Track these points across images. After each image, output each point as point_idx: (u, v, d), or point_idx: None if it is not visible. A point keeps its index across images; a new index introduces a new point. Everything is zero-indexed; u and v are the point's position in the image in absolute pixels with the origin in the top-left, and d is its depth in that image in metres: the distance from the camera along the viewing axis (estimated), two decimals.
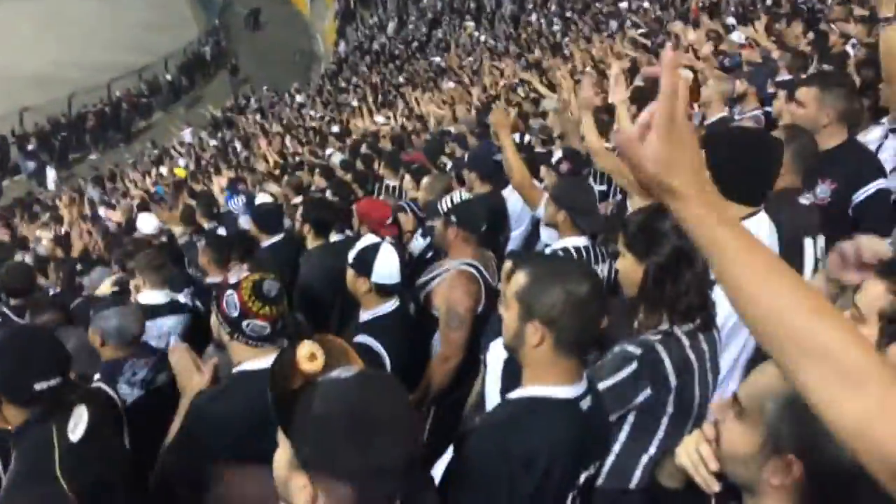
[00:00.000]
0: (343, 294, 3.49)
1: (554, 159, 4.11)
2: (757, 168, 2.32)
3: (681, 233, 1.93)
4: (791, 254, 2.71)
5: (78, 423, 2.15)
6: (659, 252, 1.98)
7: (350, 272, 2.92)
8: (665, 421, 2.00)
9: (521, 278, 1.71)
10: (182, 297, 4.40)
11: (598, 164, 3.98)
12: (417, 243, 4.41)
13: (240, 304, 2.32)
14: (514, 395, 1.78)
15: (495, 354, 2.71)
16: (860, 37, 7.67)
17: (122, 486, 2.27)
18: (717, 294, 2.19)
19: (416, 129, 12.24)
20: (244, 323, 2.33)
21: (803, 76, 6.33)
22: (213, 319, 2.44)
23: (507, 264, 2.88)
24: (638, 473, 2.01)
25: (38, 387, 2.13)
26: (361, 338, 2.89)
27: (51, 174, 21.63)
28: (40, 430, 2.15)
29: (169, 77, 26.95)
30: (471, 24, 26.61)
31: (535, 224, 5.34)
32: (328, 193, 7.35)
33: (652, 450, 2.00)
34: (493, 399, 2.65)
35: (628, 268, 2.08)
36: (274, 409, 1.24)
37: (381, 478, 1.18)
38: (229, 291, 2.35)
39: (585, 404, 1.72)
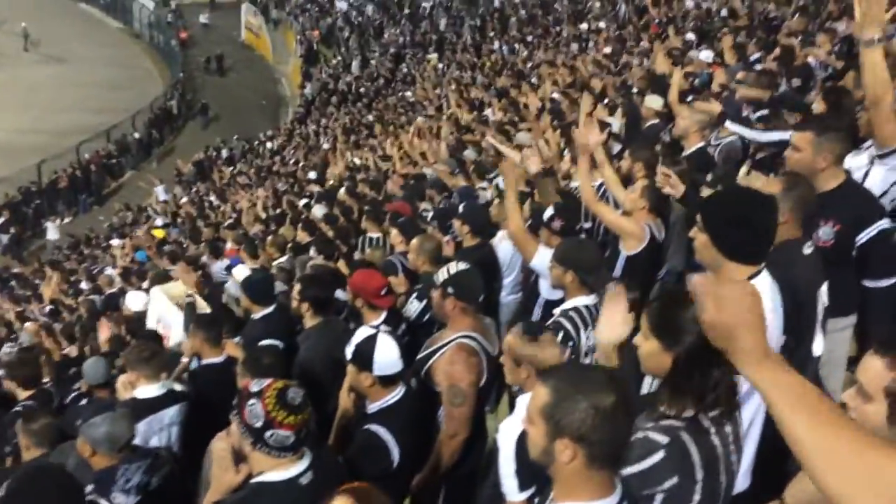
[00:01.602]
0: (343, 374, 3.45)
1: (546, 216, 4.11)
2: (758, 228, 2.31)
3: None
4: (807, 307, 2.72)
5: None
6: (686, 343, 1.95)
7: (351, 368, 2.88)
8: None
9: (544, 394, 1.67)
10: (178, 386, 4.32)
11: (591, 209, 4.00)
12: (413, 307, 4.38)
13: (264, 413, 2.27)
14: None
15: (507, 435, 2.67)
16: (823, 47, 7.82)
17: None
18: None
19: (388, 170, 12.26)
20: (268, 433, 2.28)
21: (772, 97, 6.42)
22: (234, 428, 2.38)
23: (509, 338, 2.85)
24: None
25: None
26: (371, 426, 2.84)
27: (51, 227, 21.44)
28: None
29: (137, 134, 26.84)
30: (434, 55, 26.84)
31: (527, 272, 5.35)
32: (312, 251, 7.32)
33: None
34: (508, 483, 2.61)
35: (653, 352, 2.05)
36: None
37: None
38: (252, 401, 2.30)
39: None
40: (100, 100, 28.44)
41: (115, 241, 17.03)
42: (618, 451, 1.68)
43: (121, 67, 31.98)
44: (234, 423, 2.40)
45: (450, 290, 3.20)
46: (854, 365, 3.47)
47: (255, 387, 2.35)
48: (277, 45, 34.40)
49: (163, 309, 5.96)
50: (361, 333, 2.88)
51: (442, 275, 3.26)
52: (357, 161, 15.54)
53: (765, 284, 2.31)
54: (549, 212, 4.11)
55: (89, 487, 2.94)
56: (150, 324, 6.12)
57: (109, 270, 12.38)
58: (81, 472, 2.98)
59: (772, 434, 2.46)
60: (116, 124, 26.64)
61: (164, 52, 33.81)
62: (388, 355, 2.81)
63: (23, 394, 4.99)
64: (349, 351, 2.84)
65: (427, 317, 4.39)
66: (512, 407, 3.84)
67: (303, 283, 4.18)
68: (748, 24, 12.27)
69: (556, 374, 1.75)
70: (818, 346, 2.85)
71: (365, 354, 2.80)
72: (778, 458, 2.54)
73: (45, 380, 5.65)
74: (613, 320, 2.31)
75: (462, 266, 3.29)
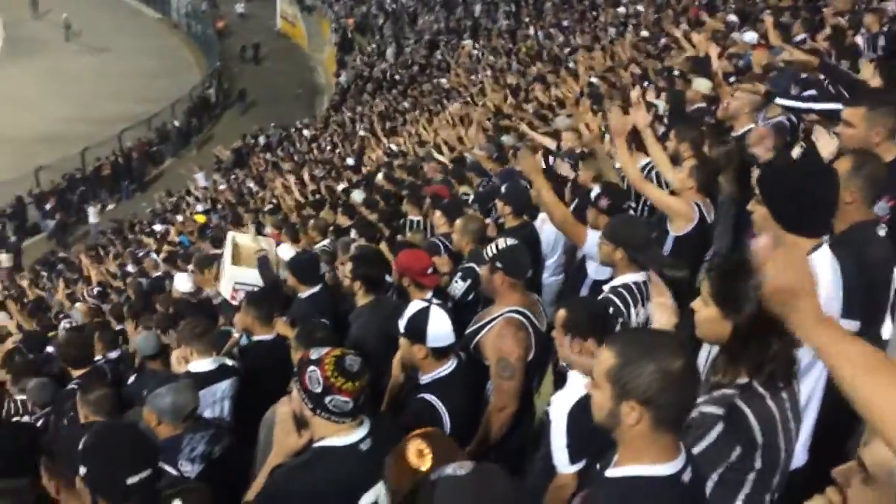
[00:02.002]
0: (395, 351, 3.50)
1: (592, 195, 4.11)
2: (819, 200, 2.30)
3: None
4: (879, 289, 2.70)
5: None
6: (747, 311, 1.96)
7: (404, 341, 2.93)
8: (752, 477, 1.98)
9: (609, 357, 1.69)
10: (229, 361, 4.42)
11: (638, 189, 3.98)
12: (457, 286, 4.41)
13: (323, 379, 2.33)
14: (614, 474, 1.75)
15: (559, 408, 2.71)
16: (872, 27, 7.65)
17: None
18: None
19: (426, 156, 12.30)
20: (327, 399, 2.34)
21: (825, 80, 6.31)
22: (295, 394, 2.46)
23: (561, 312, 2.88)
24: None
25: (130, 481, 2.18)
26: (425, 395, 2.89)
27: (92, 211, 21.94)
28: None
29: (177, 123, 27.27)
30: (468, 42, 26.74)
31: (571, 253, 5.35)
32: (353, 233, 7.40)
33: None
34: (560, 455, 2.64)
35: (712, 318, 2.06)
36: None
37: None
38: (311, 367, 2.37)
39: (686, 476, 1.70)
40: (140, 89, 28.89)
41: (158, 227, 17.38)
42: (683, 414, 1.70)
43: (159, 57, 32.44)
44: (294, 390, 2.47)
45: (498, 265, 3.24)
46: None
47: (314, 354, 2.41)
48: (312, 34, 34.57)
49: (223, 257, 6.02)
50: (414, 306, 2.92)
51: (490, 250, 3.29)
52: (394, 147, 15.62)
53: (825, 259, 2.30)
54: (595, 191, 4.10)
55: None
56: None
57: (154, 255, 12.64)
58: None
59: (830, 413, 2.47)
60: (157, 113, 27.08)
61: (202, 42, 34.20)
62: (441, 327, 2.85)
63: (75, 373, 5.12)
64: (402, 323, 2.89)
65: (471, 296, 4.43)
66: (557, 383, 3.87)
67: (355, 262, 4.23)
68: (792, 3, 12.03)
69: (623, 337, 1.78)
70: (888, 330, 2.82)
71: (418, 327, 2.85)
72: (836, 437, 2.55)
73: (98, 357, 5.83)
74: (665, 307, 2.33)
75: (511, 241, 3.32)
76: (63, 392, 5.09)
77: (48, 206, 21.88)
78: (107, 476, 2.21)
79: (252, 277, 5.79)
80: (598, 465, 1.90)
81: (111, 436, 2.34)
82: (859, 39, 7.76)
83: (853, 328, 2.61)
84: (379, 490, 2.42)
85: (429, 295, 3.84)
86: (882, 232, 2.77)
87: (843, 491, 1.30)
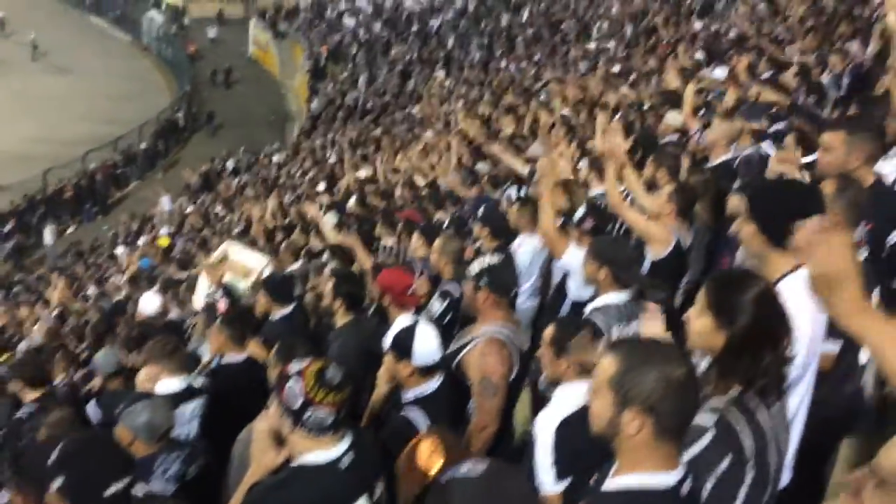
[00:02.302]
0: (375, 370, 3.44)
1: (577, 216, 4.12)
2: (806, 216, 2.26)
3: (763, 307, 1.93)
4: None
5: None
6: (741, 323, 1.95)
7: (389, 357, 2.87)
8: (743, 491, 1.95)
9: (611, 364, 1.67)
10: (197, 382, 4.30)
11: (618, 212, 4.01)
12: (435, 307, 4.37)
13: (303, 392, 2.26)
14: (611, 486, 1.71)
15: (545, 426, 2.66)
16: (836, 68, 7.90)
17: None
18: None
19: (397, 183, 12.30)
20: (307, 413, 2.27)
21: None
22: (273, 410, 2.38)
23: (549, 329, 2.86)
24: None
25: (110, 491, 2.13)
26: (409, 411, 2.83)
27: (48, 231, 21.41)
28: None
29: (143, 145, 26.94)
30: (441, 73, 27.01)
31: (547, 277, 5.35)
32: (325, 256, 7.32)
33: None
34: (544, 474, 2.59)
35: (706, 329, 2.04)
36: None
37: None
38: (291, 381, 2.29)
39: (686, 488, 1.67)
40: (107, 111, 28.61)
41: (120, 250, 17.04)
42: (685, 423, 1.68)
43: (129, 79, 32.18)
44: (272, 406, 2.39)
45: (482, 282, 3.21)
46: None
47: (293, 367, 2.34)
48: (285, 61, 34.61)
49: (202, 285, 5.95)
50: (401, 323, 2.88)
51: (476, 267, 3.26)
52: (363, 174, 15.58)
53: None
54: (580, 212, 4.12)
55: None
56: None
57: (116, 277, 12.37)
58: None
59: (811, 432, 2.46)
60: (123, 135, 26.76)
61: (172, 65, 34.05)
62: (427, 345, 2.81)
63: (30, 394, 4.94)
64: (388, 340, 2.84)
65: (449, 317, 4.39)
66: (535, 401, 3.83)
67: (337, 279, 4.17)
68: (756, 44, 12.38)
69: (625, 345, 1.75)
70: (865, 355, 2.84)
71: (404, 343, 2.80)
72: (817, 458, 2.53)
73: (59, 377, 5.65)
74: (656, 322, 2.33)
75: (496, 259, 3.29)
76: (11, 423, 4.91)
77: (7, 228, 21.37)
78: (86, 485, 2.14)
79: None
80: (592, 481, 1.86)
81: (89, 445, 2.27)
82: (824, 78, 8.01)
83: (835, 349, 2.62)
84: None
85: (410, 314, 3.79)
86: (861, 256, 2.80)
87: (857, 496, 1.27)
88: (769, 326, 1.95)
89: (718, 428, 1.92)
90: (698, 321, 2.08)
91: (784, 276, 2.28)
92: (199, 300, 5.96)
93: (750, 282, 2.01)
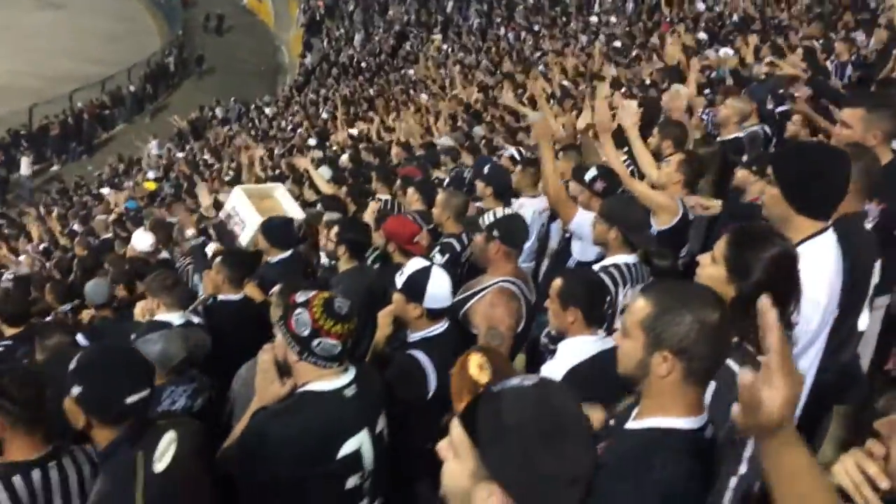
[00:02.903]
0: (375, 316, 3.44)
1: (588, 177, 4.11)
2: (832, 182, 2.32)
3: (779, 268, 1.94)
4: (861, 282, 2.75)
5: (165, 453, 2.09)
6: (753, 280, 1.96)
7: (399, 297, 2.86)
8: (751, 442, 1.97)
9: (645, 306, 1.67)
10: (195, 318, 4.29)
11: (624, 182, 4.01)
12: (436, 261, 4.37)
13: (311, 322, 2.26)
14: (636, 426, 1.73)
15: (550, 375, 2.69)
16: (842, 56, 7.92)
17: None
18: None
19: (392, 141, 12.24)
20: (315, 342, 2.27)
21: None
22: (279, 340, 2.37)
23: (558, 281, 2.87)
24: (728, 496, 1.98)
25: (129, 400, 2.10)
26: (413, 351, 2.84)
27: (24, 161, 21.04)
28: (126, 454, 2.11)
29: (132, 88, 26.47)
30: (438, 36, 26.73)
31: (544, 240, 5.38)
32: (319, 206, 7.28)
33: (742, 469, 1.96)
34: None
35: (717, 278, 2.03)
36: (463, 419, 1.22)
37: (574, 485, 1.16)
38: (299, 310, 2.29)
39: (709, 433, 1.69)
40: (97, 50, 27.99)
41: (106, 190, 16.84)
42: (714, 369, 1.69)
43: (120, 20, 31.47)
44: (279, 335, 2.39)
45: (495, 233, 3.20)
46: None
47: (301, 297, 2.34)
48: (280, 13, 34.05)
49: (242, 206, 5.76)
50: (415, 264, 2.86)
51: (488, 218, 3.25)
52: (356, 132, 15.47)
53: (830, 242, 2.33)
54: (591, 173, 4.11)
55: None
56: (221, 216, 6.00)
57: (102, 216, 12.24)
58: None
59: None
60: (112, 75, 26.23)
61: (165, 9, 33.33)
62: (440, 288, 2.80)
63: (8, 331, 4.81)
64: (400, 280, 2.82)
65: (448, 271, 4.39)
66: (531, 357, 3.86)
67: (341, 226, 4.15)
68: (761, 28, 12.38)
69: (660, 287, 1.76)
70: (863, 322, 2.88)
71: (418, 285, 2.79)
72: (808, 424, 2.57)
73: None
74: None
75: (508, 211, 3.29)
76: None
77: None
78: (105, 393, 2.12)
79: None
80: (611, 422, 1.89)
81: (108, 352, 2.23)
82: (829, 65, 8.03)
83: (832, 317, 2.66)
84: (362, 438, 2.38)
85: None
86: (869, 225, 2.84)
87: (885, 443, 1.30)
88: (780, 288, 1.91)
89: (721, 378, 1.92)
90: (711, 268, 2.08)
91: (805, 239, 2.31)
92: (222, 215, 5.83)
93: (771, 240, 2.01)
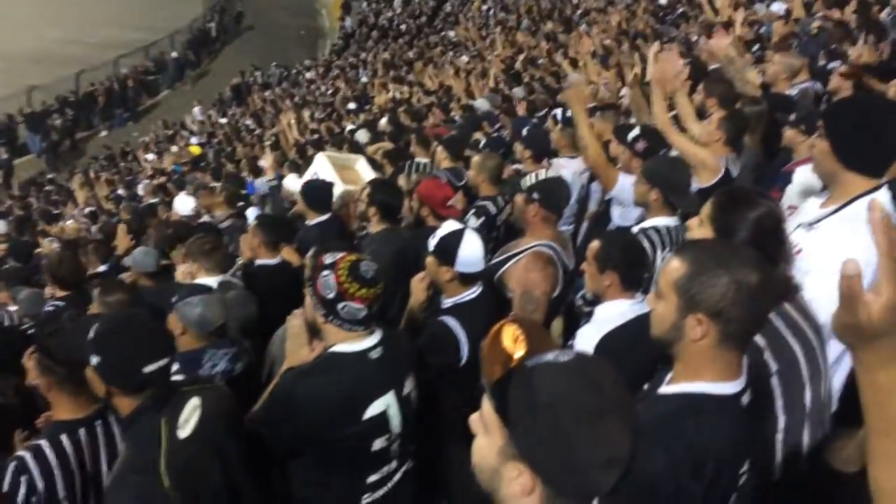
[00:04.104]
0: (407, 280, 3.42)
1: (630, 136, 3.99)
2: (883, 136, 2.17)
3: (763, 228, 1.88)
4: None
5: (189, 419, 2.09)
6: (738, 240, 1.92)
7: (431, 260, 2.82)
8: (775, 381, 1.89)
9: (679, 266, 1.60)
10: (235, 281, 4.33)
11: (667, 136, 3.90)
12: (471, 224, 4.32)
13: (336, 285, 2.25)
14: (669, 390, 1.67)
15: (585, 343, 2.63)
16: None
17: (227, 487, 2.20)
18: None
19: (432, 104, 12.13)
20: (340, 305, 2.26)
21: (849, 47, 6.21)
22: (308, 301, 2.37)
23: (595, 244, 2.80)
24: (779, 452, 1.90)
25: (147, 369, 2.08)
26: (445, 318, 2.81)
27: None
28: (150, 421, 2.10)
29: (175, 54, 26.69)
30: None
31: (583, 203, 5.27)
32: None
33: (781, 422, 1.90)
34: None
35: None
36: (492, 394, 1.17)
37: (610, 467, 1.10)
38: (325, 272, 2.27)
39: (746, 399, 1.63)
40: (140, 16, 28.18)
41: (150, 156, 17.10)
42: (752, 333, 1.62)
43: None
44: (307, 296, 2.39)
45: (535, 195, 3.13)
46: None
47: (328, 259, 2.32)
48: None
49: (325, 173, 5.86)
50: (448, 227, 2.82)
51: (530, 179, 3.18)
52: (398, 95, 15.38)
53: (885, 201, 2.21)
54: (634, 132, 3.99)
55: (175, 367, 2.95)
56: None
57: (146, 181, 12.44)
58: None
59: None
60: (155, 41, 26.48)
61: None
62: (472, 252, 2.76)
63: (59, 293, 4.89)
64: (433, 242, 2.79)
65: (483, 234, 4.34)
66: (569, 322, 3.80)
67: (373, 187, 4.12)
68: None
69: (697, 246, 1.68)
70: None
71: (449, 248, 2.75)
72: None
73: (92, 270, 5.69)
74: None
75: (551, 173, 3.21)
76: (46, 307, 4.92)
77: (39, 128, 21.43)
78: (122, 364, 2.10)
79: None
80: (645, 387, 1.83)
81: (126, 322, 2.20)
82: (885, 16, 7.65)
83: None
84: (388, 400, 2.37)
85: None
86: None
87: None
88: (766, 247, 1.89)
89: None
90: (698, 230, 2.06)
91: (856, 198, 2.20)
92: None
93: (756, 201, 1.98)
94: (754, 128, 4.51)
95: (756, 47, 7.51)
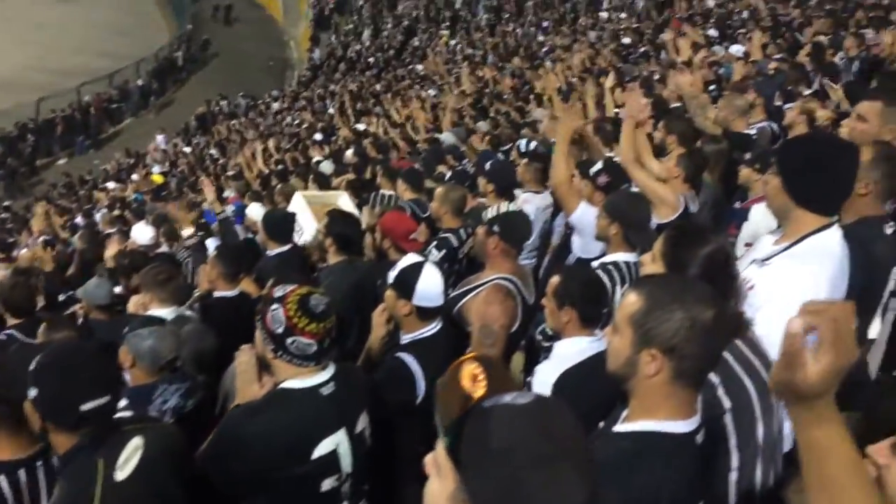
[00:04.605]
0: (364, 312, 3.37)
1: (593, 170, 4.03)
2: (834, 175, 2.21)
3: (713, 265, 1.89)
4: (876, 288, 2.67)
5: (129, 460, 2.00)
6: (690, 276, 1.91)
7: (390, 293, 2.78)
8: (728, 419, 1.87)
9: (635, 301, 1.58)
10: (188, 312, 4.23)
11: (629, 171, 3.95)
12: (432, 256, 4.30)
13: (285, 319, 2.18)
14: (623, 429, 1.64)
15: (543, 380, 2.61)
16: (850, 51, 7.80)
17: None
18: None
19: (396, 137, 12.17)
20: (289, 340, 2.19)
21: (806, 91, 6.39)
22: (258, 336, 2.30)
23: (554, 279, 2.79)
24: (732, 493, 1.88)
25: (85, 407, 1.98)
26: (402, 354, 2.76)
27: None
28: (86, 461, 2.00)
29: (140, 82, 26.48)
30: (446, 32, 26.64)
31: (546, 237, 5.29)
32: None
33: (734, 461, 1.87)
34: None
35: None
36: (446, 435, 1.12)
37: None
38: (274, 306, 2.20)
39: (700, 437, 1.60)
40: (105, 43, 28.00)
41: (111, 185, 16.84)
42: (707, 369, 1.60)
43: (128, 13, 31.46)
44: (257, 330, 2.32)
45: (496, 228, 3.11)
46: None
47: (278, 292, 2.26)
48: (289, 7, 34.01)
49: (302, 213, 5.76)
50: (408, 260, 2.78)
51: (491, 212, 3.17)
52: (362, 127, 15.41)
53: (834, 239, 2.23)
54: (597, 166, 4.02)
55: (123, 402, 2.84)
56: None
57: (105, 210, 12.22)
58: None
59: None
60: (120, 69, 26.27)
61: (174, 3, 33.35)
62: (431, 286, 2.71)
63: (11, 320, 4.71)
64: (392, 275, 2.75)
65: (445, 267, 4.32)
66: (530, 356, 3.78)
67: (330, 219, 4.08)
68: (771, 24, 12.23)
69: (653, 281, 1.67)
70: (874, 330, 2.78)
71: (408, 281, 2.71)
72: None
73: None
74: None
75: (513, 207, 3.20)
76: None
77: None
78: (60, 399, 2.00)
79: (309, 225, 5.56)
80: (601, 424, 1.81)
81: (69, 356, 2.10)
82: (837, 59, 7.91)
83: None
84: (339, 438, 2.30)
85: None
86: (889, 230, 2.72)
87: (878, 467, 1.22)
88: (716, 282, 1.86)
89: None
90: (651, 266, 2.06)
91: (807, 235, 2.22)
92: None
93: (706, 238, 1.98)
94: (713, 166, 4.59)
95: (713, 87, 7.68)
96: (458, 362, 1.18)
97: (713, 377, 1.78)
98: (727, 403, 1.83)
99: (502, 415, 1.08)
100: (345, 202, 6.30)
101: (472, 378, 1.15)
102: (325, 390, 2.28)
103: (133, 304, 4.19)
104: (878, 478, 1.22)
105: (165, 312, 3.98)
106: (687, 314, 1.52)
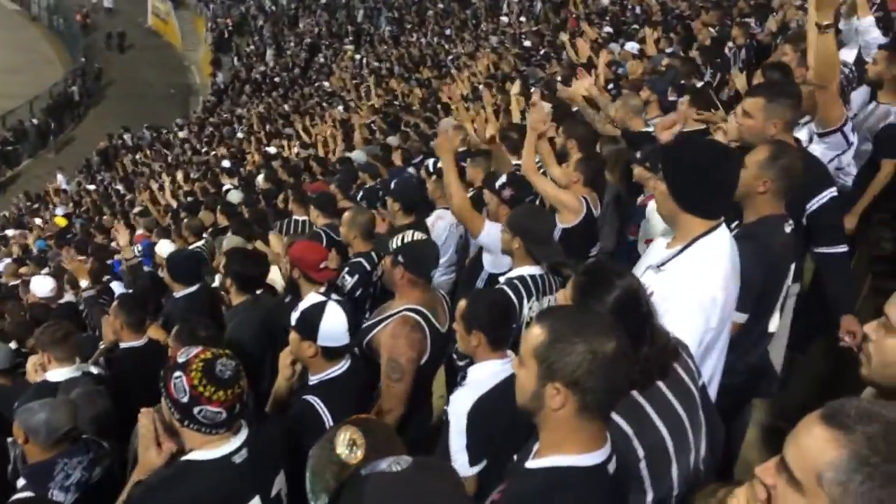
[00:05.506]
0: (274, 351, 3.25)
1: (497, 184, 4.03)
2: (717, 180, 2.25)
3: (623, 308, 1.84)
4: (776, 285, 2.74)
5: None
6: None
7: (294, 335, 2.68)
8: (643, 466, 1.85)
9: (539, 333, 1.55)
10: (93, 368, 4.02)
11: (530, 179, 3.96)
12: (346, 282, 4.22)
13: (189, 388, 2.05)
14: (534, 465, 1.61)
15: (457, 408, 2.56)
16: (738, 40, 8.10)
17: None
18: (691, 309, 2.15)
19: (309, 157, 12.00)
20: (196, 409, 2.06)
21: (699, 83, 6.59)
22: (163, 402, 2.17)
23: (461, 303, 2.76)
24: None
25: None
26: (308, 397, 2.66)
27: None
28: None
29: (35, 121, 25.32)
30: (351, 47, 26.52)
31: (463, 252, 5.28)
32: (230, 233, 7.02)
33: (649, 496, 1.86)
34: (458, 457, 2.50)
35: None
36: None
37: None
38: (177, 374, 2.07)
39: (612, 467, 1.58)
40: None
41: (11, 232, 16.03)
42: (612, 401, 1.57)
43: (17, 51, 30.07)
44: (162, 398, 2.18)
45: (400, 258, 3.04)
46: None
47: (181, 357, 2.12)
48: (186, 32, 33.20)
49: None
50: (310, 300, 2.68)
51: (395, 242, 3.09)
52: (272, 150, 15.14)
53: (722, 240, 2.27)
54: (501, 180, 4.03)
55: (21, 482, 2.65)
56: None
57: (7, 260, 11.59)
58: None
59: (718, 396, 2.46)
60: (12, 110, 25.09)
61: (65, 37, 32.07)
62: (334, 326, 2.62)
63: None
64: (294, 316, 2.65)
65: (359, 292, 4.25)
66: (451, 379, 3.73)
67: (227, 258, 3.95)
68: (663, 19, 12.63)
69: (555, 314, 1.64)
70: (774, 324, 2.86)
71: (310, 322, 2.61)
72: (724, 420, 2.53)
73: None
74: None
75: (418, 236, 3.13)
76: None
77: None
78: None
79: None
80: (515, 457, 1.77)
81: None
82: (726, 51, 8.22)
83: (741, 321, 2.63)
84: None
85: (322, 290, 3.62)
86: (788, 228, 2.80)
87: (768, 490, 1.22)
88: (629, 323, 1.78)
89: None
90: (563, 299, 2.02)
91: (696, 238, 2.25)
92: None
93: (612, 283, 1.88)
94: (613, 166, 4.66)
95: (611, 86, 7.86)
96: (335, 428, 1.13)
97: (626, 427, 1.75)
98: (641, 453, 1.80)
99: (378, 482, 1.03)
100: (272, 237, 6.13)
101: (350, 443, 1.10)
102: (238, 458, 2.15)
103: (31, 366, 3.96)
104: (768, 498, 1.22)
105: (64, 372, 3.78)
106: (588, 347, 1.50)
